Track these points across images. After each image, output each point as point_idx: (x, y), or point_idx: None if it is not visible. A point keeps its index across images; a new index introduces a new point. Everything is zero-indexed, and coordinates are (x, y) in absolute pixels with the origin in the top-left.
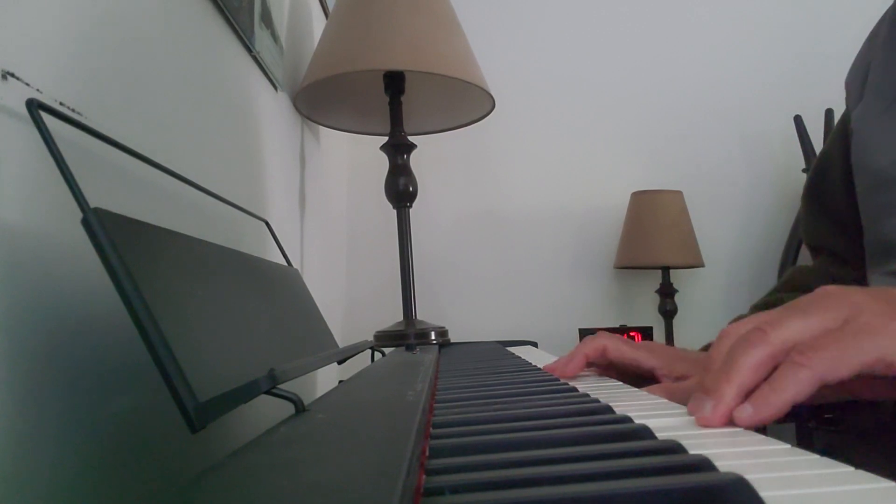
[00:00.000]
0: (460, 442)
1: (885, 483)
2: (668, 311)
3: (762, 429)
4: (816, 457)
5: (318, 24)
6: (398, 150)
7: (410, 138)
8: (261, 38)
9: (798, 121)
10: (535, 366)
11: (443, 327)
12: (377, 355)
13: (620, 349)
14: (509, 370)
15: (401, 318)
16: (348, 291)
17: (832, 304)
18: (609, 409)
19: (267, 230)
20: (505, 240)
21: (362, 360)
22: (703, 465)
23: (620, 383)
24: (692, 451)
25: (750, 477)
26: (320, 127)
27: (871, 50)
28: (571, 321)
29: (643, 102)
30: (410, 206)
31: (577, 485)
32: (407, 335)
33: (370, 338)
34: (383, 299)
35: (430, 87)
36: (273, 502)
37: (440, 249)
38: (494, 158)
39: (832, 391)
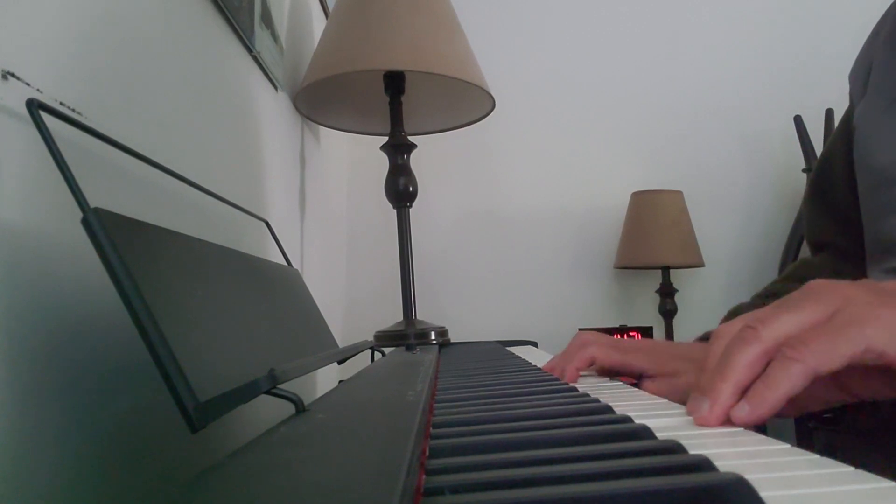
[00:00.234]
0: (460, 442)
1: (885, 483)
2: (668, 311)
3: (762, 428)
4: (816, 457)
5: (318, 24)
6: (398, 150)
7: (410, 138)
8: (261, 38)
9: (798, 121)
10: (535, 366)
11: (443, 327)
12: (377, 355)
13: (609, 356)
14: (509, 370)
15: (401, 318)
16: (348, 291)
17: (821, 297)
18: (609, 409)
19: (267, 230)
20: (505, 240)
21: (362, 360)
22: (704, 465)
23: (620, 383)
24: (692, 451)
25: (750, 477)
26: (320, 127)
27: (874, 47)
28: (571, 321)
29: (643, 102)
30: (410, 206)
31: (577, 485)
32: (407, 335)
33: (370, 338)
34: (383, 299)
35: (430, 87)
36: (273, 502)
37: (440, 249)
38: (494, 158)
39: (832, 393)
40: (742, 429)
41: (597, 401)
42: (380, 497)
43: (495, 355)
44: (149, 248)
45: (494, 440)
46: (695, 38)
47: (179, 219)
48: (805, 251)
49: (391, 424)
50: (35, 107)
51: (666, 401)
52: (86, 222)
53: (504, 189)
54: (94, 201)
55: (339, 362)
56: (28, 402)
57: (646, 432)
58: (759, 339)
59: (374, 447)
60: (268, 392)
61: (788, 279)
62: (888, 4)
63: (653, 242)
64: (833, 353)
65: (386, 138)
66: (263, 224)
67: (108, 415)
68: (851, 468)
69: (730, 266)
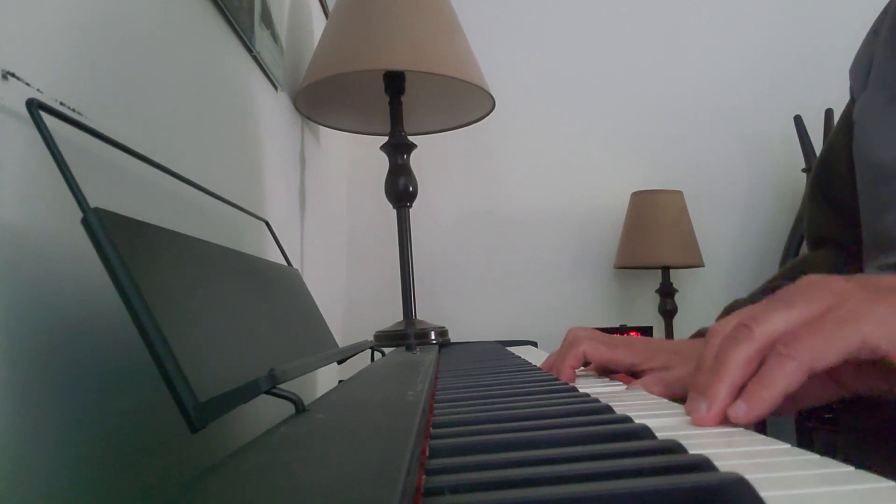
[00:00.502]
0: (460, 442)
1: (885, 483)
2: (668, 311)
3: (762, 428)
4: (817, 457)
5: (319, 24)
6: (398, 149)
7: (410, 138)
8: (261, 38)
9: (798, 121)
10: (535, 366)
11: (443, 327)
12: (377, 355)
13: (599, 351)
14: (509, 370)
15: (401, 317)
16: (348, 291)
17: (815, 293)
18: (609, 409)
19: (267, 230)
20: (505, 240)
21: (362, 360)
22: (704, 464)
23: (620, 383)
24: (692, 451)
25: (750, 477)
26: (320, 127)
27: (874, 42)
28: (571, 321)
29: (643, 102)
30: (410, 205)
31: (578, 485)
32: (407, 335)
33: (370, 338)
34: (383, 299)
35: (430, 87)
36: (273, 503)
37: (440, 249)
38: (494, 158)
39: (829, 389)
40: (742, 429)
41: (597, 401)
42: (380, 497)
43: (495, 355)
44: (149, 249)
45: (494, 440)
46: (695, 38)
47: (179, 219)
48: (805, 251)
49: (391, 424)
50: (35, 107)
51: (666, 401)
52: (86, 222)
53: (504, 189)
54: (94, 201)
55: (339, 362)
56: (28, 402)
57: (646, 432)
58: (752, 338)
59: (374, 447)
60: (268, 392)
61: (787, 275)
62: (888, 2)
63: (653, 242)
64: (828, 349)
65: (386, 138)
66: (263, 224)
67: (108, 415)
68: (851, 468)
69: (730, 266)
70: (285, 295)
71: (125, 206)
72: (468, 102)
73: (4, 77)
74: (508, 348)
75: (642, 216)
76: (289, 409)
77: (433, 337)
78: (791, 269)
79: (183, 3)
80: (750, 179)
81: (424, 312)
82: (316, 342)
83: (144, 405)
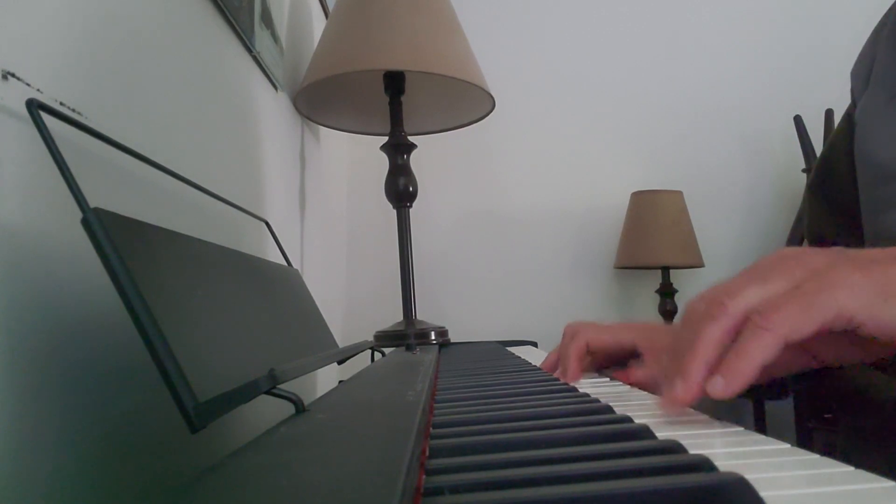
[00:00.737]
0: (460, 442)
1: (885, 483)
2: (668, 311)
3: (762, 427)
4: (817, 456)
5: (319, 24)
6: (398, 149)
7: (410, 138)
8: (261, 38)
9: (798, 121)
10: (535, 366)
11: (443, 327)
12: (377, 355)
13: (602, 339)
14: (509, 370)
15: (401, 318)
16: (348, 291)
17: (789, 266)
18: (609, 409)
19: (267, 230)
20: (505, 240)
21: (362, 361)
22: (704, 464)
23: (620, 383)
24: (692, 451)
25: (750, 476)
26: (320, 127)
27: (877, 42)
28: (571, 321)
29: (643, 102)
30: (410, 206)
31: (578, 485)
32: (407, 335)
33: (370, 338)
34: (383, 299)
35: (430, 87)
36: (273, 502)
37: (440, 249)
38: (494, 158)
39: (802, 358)
40: (742, 428)
41: (597, 401)
42: (380, 497)
43: (495, 355)
44: (149, 249)
45: (494, 440)
46: (695, 38)
47: (179, 219)
48: None
49: (391, 424)
50: (35, 107)
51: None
52: (86, 222)
53: (504, 189)
54: (93, 201)
55: (339, 362)
56: (28, 402)
57: (646, 432)
58: (726, 314)
59: (373, 447)
60: (268, 392)
61: None
62: (889, 2)
63: (653, 242)
64: (804, 320)
65: (386, 138)
66: (263, 224)
67: (108, 415)
68: (851, 468)
69: (730, 266)
70: (285, 295)
71: (125, 207)
72: (468, 102)
73: (4, 77)
74: (508, 348)
75: (642, 216)
76: (289, 409)
77: (433, 337)
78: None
79: (183, 3)
80: (750, 179)
81: (424, 312)
82: (316, 342)
83: (144, 405)
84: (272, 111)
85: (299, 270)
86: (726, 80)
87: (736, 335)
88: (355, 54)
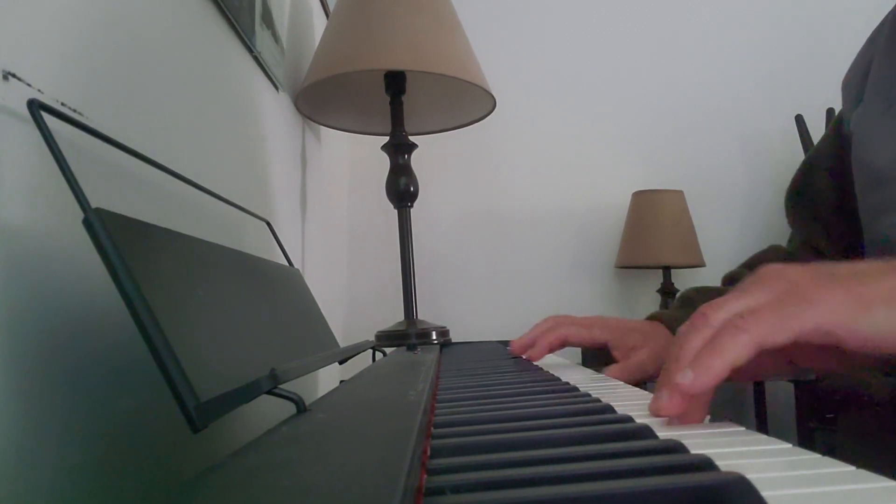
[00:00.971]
0: (461, 441)
1: (886, 482)
2: None
3: (763, 428)
4: (818, 456)
5: (319, 24)
6: (399, 149)
7: (411, 138)
8: (262, 38)
9: (799, 120)
10: (536, 365)
11: (444, 327)
12: (378, 355)
13: (580, 334)
14: (510, 370)
15: (402, 317)
16: (349, 291)
17: (770, 281)
18: (610, 409)
19: (268, 230)
20: (506, 239)
21: (363, 360)
22: (705, 464)
23: (621, 382)
24: (694, 451)
25: (751, 476)
26: (321, 127)
27: (872, 52)
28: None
29: (644, 102)
30: (411, 205)
31: (579, 484)
32: (408, 335)
33: (371, 338)
34: (384, 299)
35: (430, 86)
36: (274, 502)
37: (441, 249)
38: (495, 158)
39: (782, 366)
40: (743, 428)
41: (598, 400)
42: (381, 497)
43: (496, 355)
44: (150, 249)
45: (496, 440)
46: (695, 38)
47: (180, 219)
48: None
49: (392, 424)
50: (36, 107)
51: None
52: (87, 222)
53: (505, 189)
54: (95, 201)
55: (341, 362)
56: (29, 403)
57: (647, 432)
58: (708, 324)
59: (375, 447)
60: (269, 392)
61: (746, 265)
62: (888, 4)
63: (654, 242)
64: (780, 328)
65: (387, 138)
66: (264, 224)
67: (110, 415)
68: (853, 467)
69: (730, 266)
70: (286, 295)
71: (126, 207)
72: (469, 102)
73: (5, 77)
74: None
75: (643, 216)
76: (290, 408)
77: (434, 337)
78: (750, 260)
79: (183, 3)
80: (751, 179)
81: (425, 312)
82: (317, 342)
83: (146, 405)
84: (273, 111)
85: (300, 270)
86: (727, 80)
87: None
88: (356, 54)
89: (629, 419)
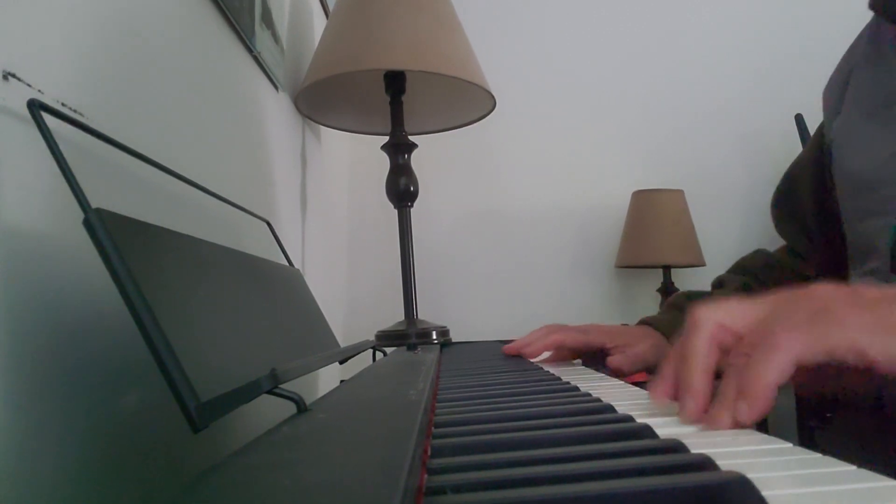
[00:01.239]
0: (462, 441)
1: (886, 482)
2: None
3: (764, 427)
4: (818, 455)
5: (319, 23)
6: (399, 149)
7: (411, 138)
8: (261, 38)
9: (799, 119)
10: (537, 365)
11: (444, 327)
12: (378, 355)
13: (577, 339)
14: (511, 369)
15: (402, 317)
16: (349, 291)
17: (801, 300)
18: (611, 409)
19: (268, 230)
20: (506, 239)
21: (364, 360)
22: (706, 464)
23: (622, 382)
24: (694, 451)
25: (752, 476)
26: (321, 127)
27: (851, 64)
28: (572, 320)
29: (644, 102)
30: (411, 205)
31: (579, 484)
32: (408, 335)
33: (371, 337)
34: (384, 299)
35: (430, 86)
36: (275, 502)
37: (441, 249)
38: (495, 158)
39: (806, 387)
40: (744, 428)
41: (599, 400)
42: (382, 496)
43: (497, 355)
44: (150, 249)
45: (496, 439)
46: (695, 37)
47: (181, 219)
48: None
49: (393, 424)
50: (36, 107)
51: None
52: (87, 223)
53: (505, 188)
54: (95, 202)
55: (341, 362)
56: (30, 403)
57: (648, 431)
58: (751, 345)
59: (375, 446)
60: (269, 392)
61: (733, 270)
62: (864, 26)
63: (654, 242)
64: (816, 346)
65: (387, 138)
66: (265, 224)
67: (110, 415)
68: (853, 467)
69: (731, 265)
70: (287, 295)
71: (126, 207)
72: (469, 102)
73: (6, 78)
74: None
75: (643, 215)
76: (290, 408)
77: (434, 336)
78: (736, 265)
79: (184, 3)
80: (751, 178)
81: (426, 312)
82: (317, 342)
83: (146, 405)
84: (273, 111)
85: (300, 270)
86: (727, 80)
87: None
88: (356, 54)
89: (630, 419)
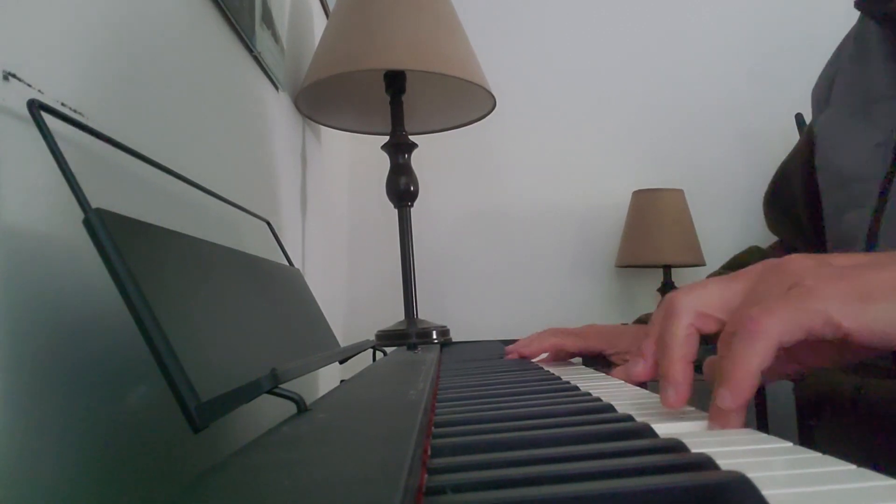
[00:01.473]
0: (462, 441)
1: (887, 481)
2: None
3: (764, 426)
4: (818, 455)
5: (319, 23)
6: (399, 149)
7: (411, 137)
8: (262, 38)
9: (799, 118)
10: (537, 365)
11: (444, 326)
12: (379, 354)
13: (576, 343)
14: (511, 369)
15: (402, 317)
16: (350, 291)
17: (772, 274)
18: (611, 408)
19: (268, 230)
20: (506, 239)
21: (364, 360)
22: (706, 463)
23: (622, 382)
24: (694, 450)
25: (752, 475)
26: (321, 127)
27: (837, 65)
28: (573, 320)
29: (644, 101)
30: (412, 205)
31: (580, 483)
32: (408, 334)
33: (372, 337)
34: (385, 298)
35: (431, 86)
36: (275, 502)
37: (441, 248)
38: (495, 157)
39: (784, 365)
40: (744, 427)
41: (598, 399)
42: (382, 496)
43: (497, 354)
44: (150, 249)
45: (496, 439)
46: (695, 36)
47: (181, 219)
48: None
49: (393, 423)
50: (36, 107)
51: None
52: (87, 223)
53: (505, 188)
54: (95, 202)
55: (341, 362)
56: (30, 403)
57: (648, 431)
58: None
59: (375, 446)
60: (269, 392)
61: (732, 265)
62: (852, 27)
63: (654, 241)
64: (793, 324)
65: (387, 138)
66: (265, 224)
67: (111, 415)
68: (853, 466)
69: None
70: (287, 295)
71: (126, 207)
72: (469, 101)
73: (6, 78)
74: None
75: (643, 215)
76: (290, 408)
77: (435, 336)
78: (730, 262)
79: (184, 3)
80: (751, 178)
81: (426, 312)
82: (317, 342)
83: (147, 405)
84: (273, 111)
85: (301, 270)
86: (727, 79)
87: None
88: (356, 54)
89: (630, 418)
